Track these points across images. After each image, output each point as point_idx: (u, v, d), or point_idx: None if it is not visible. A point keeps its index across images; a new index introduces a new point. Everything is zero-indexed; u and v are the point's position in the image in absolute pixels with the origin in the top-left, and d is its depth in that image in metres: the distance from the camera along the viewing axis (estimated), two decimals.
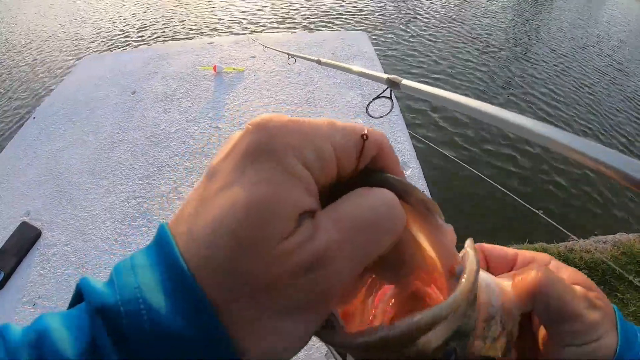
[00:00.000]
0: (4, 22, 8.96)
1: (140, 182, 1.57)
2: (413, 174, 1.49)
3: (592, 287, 0.22)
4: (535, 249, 2.86)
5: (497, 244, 0.26)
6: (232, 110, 1.90)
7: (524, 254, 0.24)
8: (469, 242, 0.18)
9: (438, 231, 0.18)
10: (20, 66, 6.42)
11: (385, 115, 0.75)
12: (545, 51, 6.03)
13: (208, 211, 0.14)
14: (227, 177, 0.15)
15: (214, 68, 2.21)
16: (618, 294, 2.54)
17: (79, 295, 0.15)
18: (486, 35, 6.27)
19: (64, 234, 1.41)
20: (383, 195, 0.16)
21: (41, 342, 0.13)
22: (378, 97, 0.67)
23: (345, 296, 0.19)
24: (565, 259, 2.78)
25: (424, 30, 6.40)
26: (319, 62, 1.18)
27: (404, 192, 0.17)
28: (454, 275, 0.17)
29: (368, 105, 0.69)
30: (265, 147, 0.15)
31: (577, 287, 0.21)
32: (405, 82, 0.59)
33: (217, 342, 0.13)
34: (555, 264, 0.23)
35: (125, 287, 0.13)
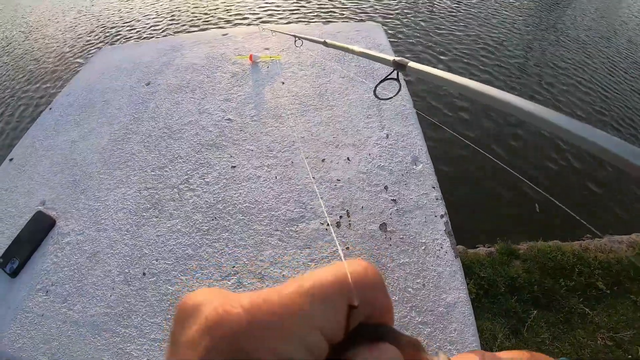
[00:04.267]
0: (21, 12, 9.11)
1: (152, 173, 1.57)
2: (424, 169, 1.46)
3: None
4: (549, 247, 2.79)
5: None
6: (244, 102, 1.88)
7: None
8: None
9: None
10: (38, 57, 6.53)
11: (394, 96, 0.75)
12: (570, 38, 5.90)
13: None
14: None
15: (250, 57, 2.20)
16: (631, 296, 2.46)
17: None
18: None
19: (78, 224, 1.42)
20: (388, 356, 0.18)
21: None
22: (385, 79, 0.66)
23: None
24: (580, 258, 2.70)
25: (439, 21, 6.32)
26: (325, 43, 1.19)
27: (396, 342, 0.20)
28: None
29: (375, 87, 0.70)
30: None
31: None
32: (411, 64, 0.56)
33: None
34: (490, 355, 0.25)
35: None
